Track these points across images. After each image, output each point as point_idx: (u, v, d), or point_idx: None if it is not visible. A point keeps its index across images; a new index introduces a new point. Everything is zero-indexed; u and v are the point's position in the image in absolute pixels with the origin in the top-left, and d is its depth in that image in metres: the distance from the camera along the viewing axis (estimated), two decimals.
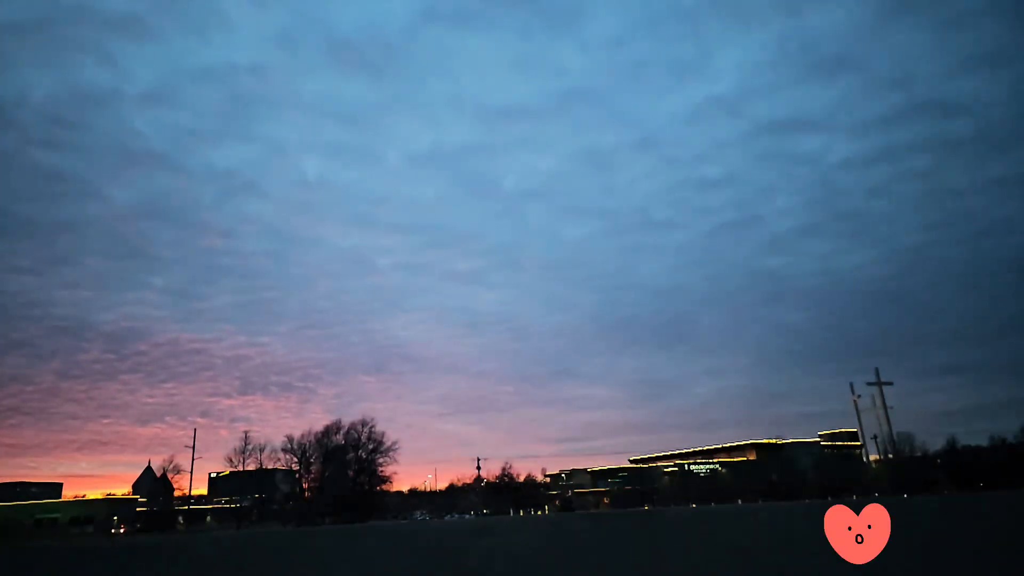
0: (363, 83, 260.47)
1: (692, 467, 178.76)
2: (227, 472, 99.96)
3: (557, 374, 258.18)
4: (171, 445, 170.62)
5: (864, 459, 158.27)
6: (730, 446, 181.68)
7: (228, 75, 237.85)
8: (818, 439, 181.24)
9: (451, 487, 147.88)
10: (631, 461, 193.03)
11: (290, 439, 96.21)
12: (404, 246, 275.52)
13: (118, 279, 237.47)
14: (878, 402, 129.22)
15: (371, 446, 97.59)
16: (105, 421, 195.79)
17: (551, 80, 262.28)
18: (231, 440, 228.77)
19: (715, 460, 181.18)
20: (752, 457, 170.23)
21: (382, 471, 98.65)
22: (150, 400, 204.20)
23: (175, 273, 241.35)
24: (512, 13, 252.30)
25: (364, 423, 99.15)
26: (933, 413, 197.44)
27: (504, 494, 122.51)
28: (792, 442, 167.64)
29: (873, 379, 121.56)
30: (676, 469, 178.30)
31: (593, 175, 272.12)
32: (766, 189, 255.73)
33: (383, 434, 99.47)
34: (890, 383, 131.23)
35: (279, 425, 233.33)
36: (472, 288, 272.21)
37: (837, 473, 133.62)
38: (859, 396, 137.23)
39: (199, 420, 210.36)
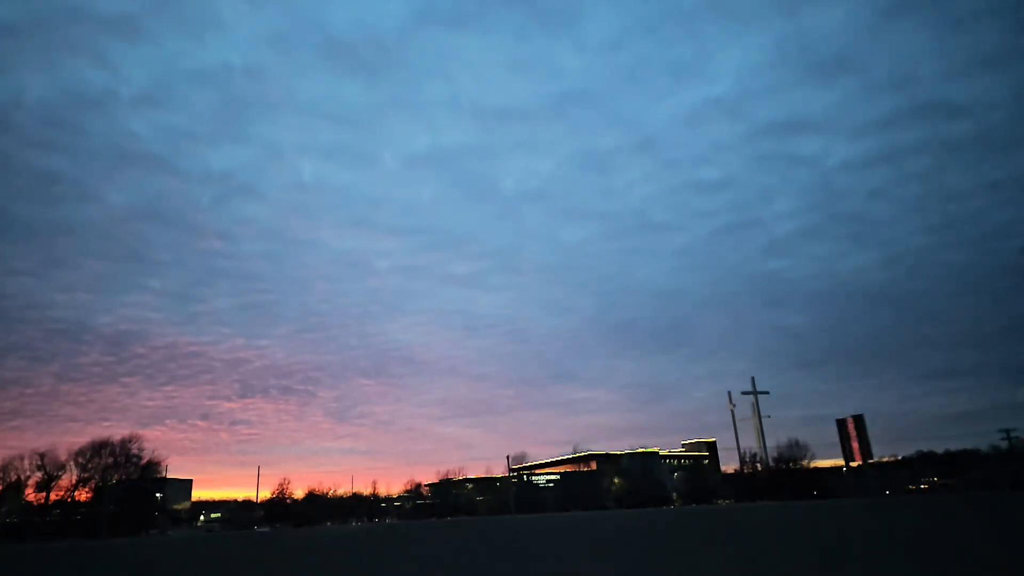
0: (359, 84, 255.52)
1: (532, 478, 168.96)
2: (115, 481, 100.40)
3: (557, 377, 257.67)
4: (173, 447, 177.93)
5: (718, 470, 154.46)
6: (579, 456, 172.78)
7: (223, 76, 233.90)
8: (682, 449, 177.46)
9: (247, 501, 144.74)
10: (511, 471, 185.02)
11: (40, 455, 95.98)
12: (402, 248, 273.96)
13: (116, 281, 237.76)
14: (754, 411, 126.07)
15: (136, 461, 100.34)
16: (106, 424, 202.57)
17: (548, 82, 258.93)
18: (231, 443, 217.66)
19: (559, 471, 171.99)
20: (593, 467, 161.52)
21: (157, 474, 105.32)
22: (150, 403, 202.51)
23: (173, 275, 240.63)
24: (508, 14, 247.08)
25: (132, 439, 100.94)
26: (932, 416, 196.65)
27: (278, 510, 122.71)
28: (629, 453, 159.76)
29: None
30: (516, 480, 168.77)
31: (591, 177, 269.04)
32: (766, 191, 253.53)
33: (152, 451, 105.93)
34: (766, 392, 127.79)
35: (280, 428, 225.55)
36: (471, 291, 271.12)
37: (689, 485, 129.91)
38: (734, 405, 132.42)
39: (199, 423, 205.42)
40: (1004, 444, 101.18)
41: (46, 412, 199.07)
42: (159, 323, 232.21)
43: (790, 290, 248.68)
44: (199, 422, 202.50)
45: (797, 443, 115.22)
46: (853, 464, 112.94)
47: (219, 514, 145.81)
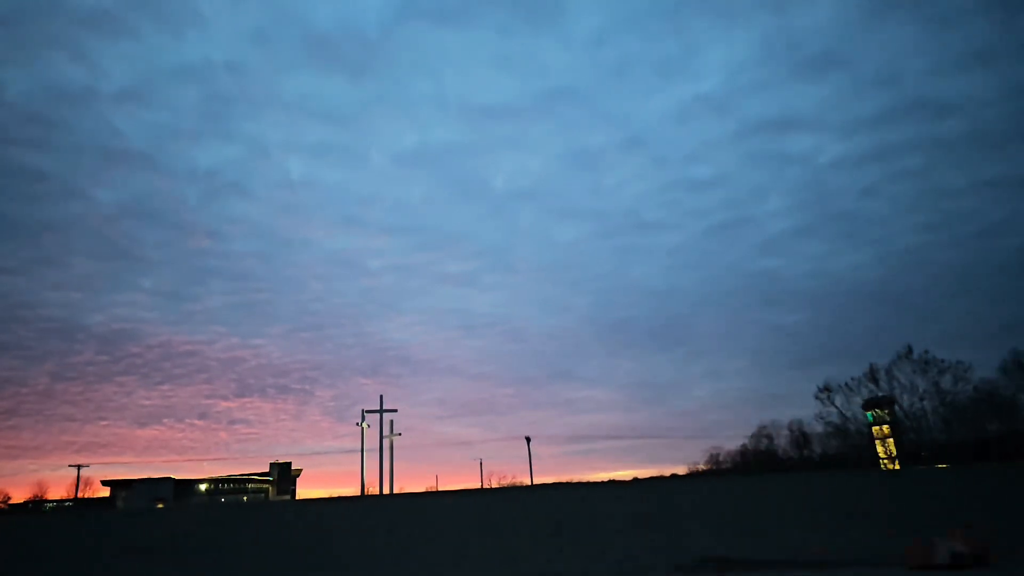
0: (343, 81, 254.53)
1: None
2: None
3: (556, 376, 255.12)
4: (171, 447, 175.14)
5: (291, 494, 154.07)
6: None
7: (205, 73, 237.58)
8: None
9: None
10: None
11: None
12: (394, 248, 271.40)
13: (106, 280, 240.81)
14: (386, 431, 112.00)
15: None
16: (103, 423, 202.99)
17: (535, 78, 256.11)
18: (231, 442, 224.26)
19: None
20: (107, 494, 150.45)
21: None
22: (147, 402, 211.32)
23: (164, 274, 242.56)
24: (491, 9, 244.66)
25: None
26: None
27: None
28: (142, 479, 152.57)
29: None
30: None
31: (582, 176, 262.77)
32: (758, 190, 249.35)
33: None
34: (394, 410, 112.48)
35: (278, 427, 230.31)
36: (466, 290, 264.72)
37: None
38: (368, 425, 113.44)
39: (197, 422, 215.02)
40: None
41: (43, 412, 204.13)
42: (152, 322, 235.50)
43: (785, 288, 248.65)
44: (197, 421, 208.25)
45: None
46: None
47: None
